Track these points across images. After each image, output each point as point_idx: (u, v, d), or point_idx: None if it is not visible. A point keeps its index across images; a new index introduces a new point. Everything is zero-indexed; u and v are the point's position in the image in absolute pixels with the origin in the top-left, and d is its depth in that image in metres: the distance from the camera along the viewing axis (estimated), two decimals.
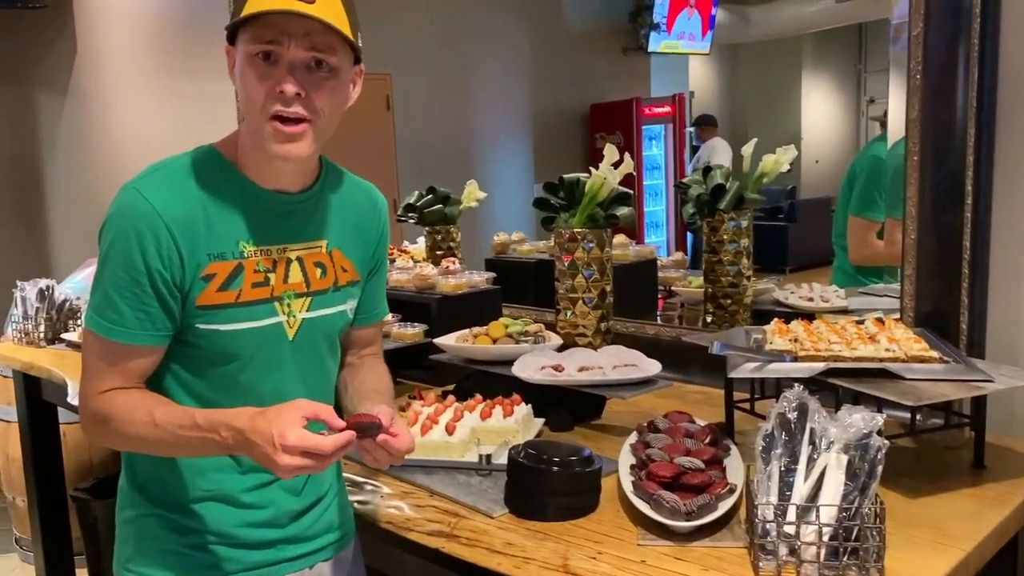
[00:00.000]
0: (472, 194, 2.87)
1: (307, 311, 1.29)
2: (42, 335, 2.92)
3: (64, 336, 2.92)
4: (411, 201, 2.90)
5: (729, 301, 2.20)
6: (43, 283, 2.96)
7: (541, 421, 1.79)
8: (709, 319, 2.24)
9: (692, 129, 7.32)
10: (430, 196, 2.86)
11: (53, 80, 5.03)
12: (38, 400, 2.90)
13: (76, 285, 3.21)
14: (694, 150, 7.50)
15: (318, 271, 1.30)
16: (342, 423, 1.11)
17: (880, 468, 1.16)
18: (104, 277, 1.18)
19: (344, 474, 1.63)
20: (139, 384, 1.22)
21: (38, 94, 5.24)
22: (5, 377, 3.27)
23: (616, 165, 2.00)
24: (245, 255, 1.22)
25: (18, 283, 2.99)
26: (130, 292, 1.16)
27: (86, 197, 4.84)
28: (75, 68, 4.78)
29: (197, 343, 1.22)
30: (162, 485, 1.28)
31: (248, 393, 1.24)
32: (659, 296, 2.64)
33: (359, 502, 1.52)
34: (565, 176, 2.10)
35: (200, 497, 1.27)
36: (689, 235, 4.74)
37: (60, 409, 2.92)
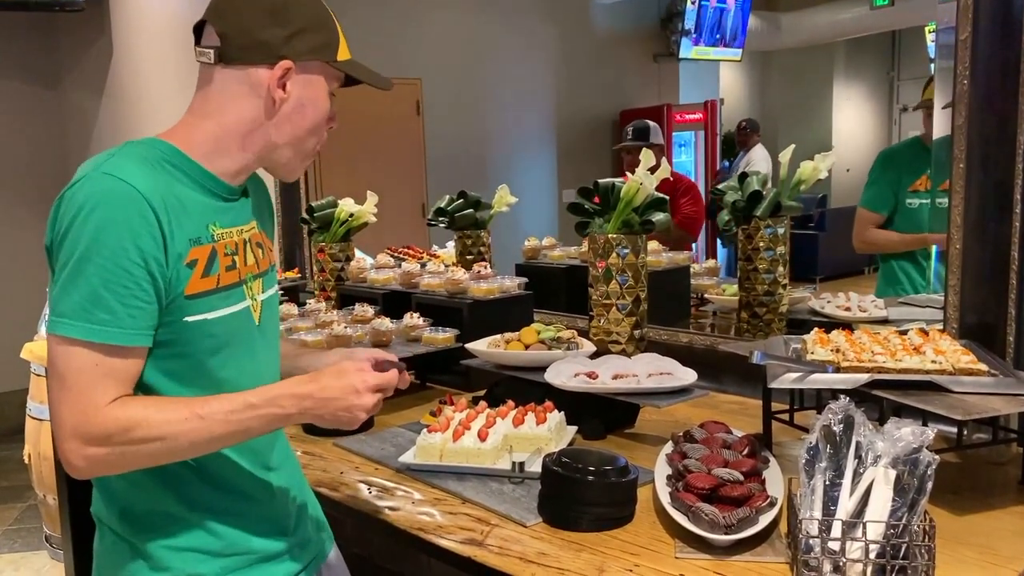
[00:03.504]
0: (503, 199, 2.85)
1: (263, 293, 1.28)
2: None
3: None
4: (442, 205, 2.89)
5: (764, 310, 2.16)
6: None
7: (574, 429, 1.76)
8: (743, 327, 2.21)
9: (733, 133, 7.25)
10: (461, 200, 2.85)
11: (89, 82, 5.09)
12: None
13: None
14: (725, 153, 7.44)
15: (260, 251, 1.28)
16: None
17: (930, 484, 1.12)
18: (88, 273, 1.05)
19: (375, 479, 1.63)
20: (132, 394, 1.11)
21: (74, 96, 5.32)
22: (38, 375, 3.31)
23: (652, 170, 1.97)
24: (215, 238, 1.18)
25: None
26: (122, 286, 1.06)
27: None
28: (111, 70, 4.84)
29: (184, 339, 1.14)
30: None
31: (229, 390, 1.18)
32: (691, 304, 2.61)
33: (389, 508, 1.51)
34: (600, 181, 2.08)
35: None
36: (720, 243, 4.69)
37: None
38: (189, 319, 1.13)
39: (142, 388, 1.14)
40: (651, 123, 3.73)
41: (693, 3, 6.72)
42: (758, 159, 6.66)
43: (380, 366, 1.26)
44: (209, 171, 1.20)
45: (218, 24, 1.17)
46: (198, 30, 1.21)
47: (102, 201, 1.06)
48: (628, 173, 2.05)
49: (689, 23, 6.74)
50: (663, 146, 3.80)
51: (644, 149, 1.98)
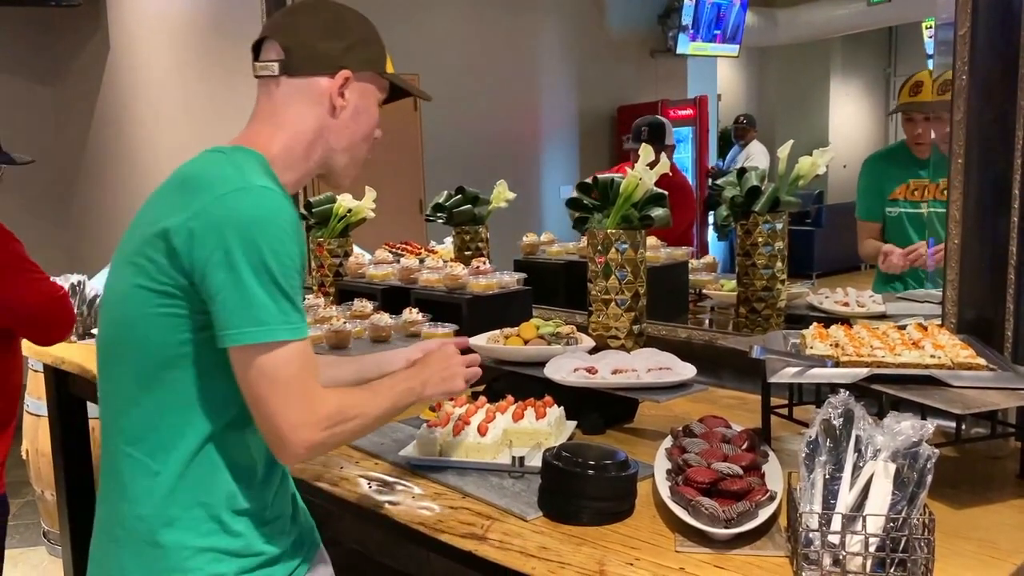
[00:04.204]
0: (501, 194, 2.85)
1: None
2: (73, 330, 2.93)
3: (95, 331, 2.93)
4: (440, 201, 2.89)
5: (762, 305, 2.17)
6: (74, 278, 2.98)
7: (573, 424, 1.77)
8: (742, 323, 2.21)
9: (732, 128, 7.25)
10: (459, 196, 2.85)
11: (86, 78, 5.08)
12: (68, 395, 2.91)
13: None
14: (721, 150, 7.44)
15: None
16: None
17: (930, 478, 1.13)
18: (277, 280, 1.12)
19: (375, 474, 1.63)
20: None
21: (70, 91, 5.31)
22: (35, 371, 3.30)
23: (651, 165, 1.97)
24: None
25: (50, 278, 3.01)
26: (299, 287, 1.18)
27: (117, 193, 4.88)
28: (107, 66, 4.83)
29: None
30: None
31: None
32: (690, 299, 2.61)
33: (389, 502, 1.51)
34: (599, 176, 2.08)
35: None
36: (716, 238, 4.68)
37: (89, 404, 2.94)
38: None
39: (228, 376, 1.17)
40: (665, 121, 3.49)
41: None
42: (756, 154, 6.66)
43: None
44: (282, 183, 1.26)
45: (281, 39, 1.29)
46: (256, 48, 1.33)
47: (271, 214, 1.14)
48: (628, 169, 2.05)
49: (687, 19, 6.73)
50: (674, 146, 3.62)
51: (643, 144, 1.98)
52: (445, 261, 2.60)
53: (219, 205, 1.12)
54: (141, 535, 1.21)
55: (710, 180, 6.46)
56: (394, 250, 2.97)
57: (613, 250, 2.01)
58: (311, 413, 1.15)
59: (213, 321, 1.13)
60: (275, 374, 1.13)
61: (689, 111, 6.94)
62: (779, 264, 2.16)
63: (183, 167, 1.23)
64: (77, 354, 2.72)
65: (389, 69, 1.37)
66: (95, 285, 3.06)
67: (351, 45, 1.30)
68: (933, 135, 2.23)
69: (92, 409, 2.99)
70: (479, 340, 2.01)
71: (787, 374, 1.48)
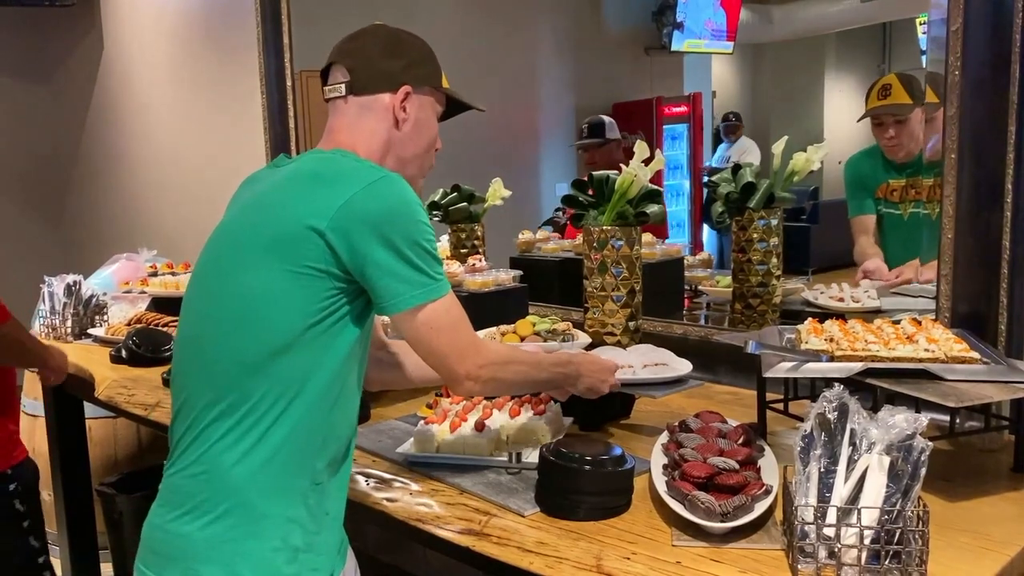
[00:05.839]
0: (497, 192, 2.86)
1: None
2: (69, 330, 2.93)
3: (91, 331, 2.93)
4: (435, 199, 2.90)
5: (758, 301, 2.18)
6: (70, 278, 2.98)
7: (570, 420, 1.77)
8: (737, 318, 2.22)
9: (721, 126, 7.27)
10: (455, 194, 2.85)
11: (80, 77, 5.08)
12: (64, 394, 2.91)
13: (102, 280, 3.23)
14: (714, 148, 7.44)
15: None
16: None
17: (923, 470, 1.14)
18: (427, 246, 1.27)
19: (372, 471, 1.63)
20: None
21: (65, 91, 5.30)
22: (32, 372, 3.30)
23: (647, 162, 1.98)
24: None
25: (45, 278, 3.01)
26: (437, 249, 1.31)
27: (112, 193, 4.87)
28: (102, 65, 4.82)
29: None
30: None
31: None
32: (685, 295, 2.62)
33: (387, 499, 1.51)
34: (595, 173, 2.08)
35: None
36: (712, 232, 4.69)
37: (86, 404, 2.94)
38: None
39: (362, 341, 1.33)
40: (606, 118, 3.62)
41: None
42: (749, 147, 6.67)
43: None
44: None
45: (346, 62, 1.41)
46: (324, 74, 1.44)
47: (409, 194, 1.28)
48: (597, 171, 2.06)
49: (681, 16, 6.74)
50: (619, 140, 3.68)
51: (638, 141, 1.99)
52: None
53: (369, 193, 1.23)
54: (226, 502, 1.24)
55: (705, 177, 6.45)
56: None
57: (609, 246, 2.02)
58: (480, 353, 1.33)
59: (376, 294, 1.25)
60: (439, 323, 1.29)
61: (683, 108, 6.93)
62: (774, 260, 2.17)
63: (303, 164, 1.33)
64: (73, 354, 2.72)
65: (445, 85, 1.48)
66: (91, 285, 3.06)
67: (409, 63, 1.42)
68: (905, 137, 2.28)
69: (89, 409, 2.99)
70: None
71: (782, 369, 1.48)
